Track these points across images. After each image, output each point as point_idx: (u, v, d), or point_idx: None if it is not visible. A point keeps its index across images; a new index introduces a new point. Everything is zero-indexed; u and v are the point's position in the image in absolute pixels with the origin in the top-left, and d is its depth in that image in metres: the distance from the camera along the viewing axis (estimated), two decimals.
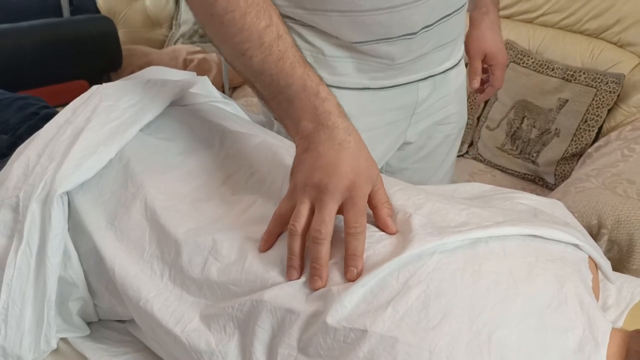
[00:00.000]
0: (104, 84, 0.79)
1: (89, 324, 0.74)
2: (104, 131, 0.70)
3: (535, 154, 1.79)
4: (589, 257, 0.61)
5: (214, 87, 0.90)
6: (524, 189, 1.30)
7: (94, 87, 0.78)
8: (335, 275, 0.55)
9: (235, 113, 0.89)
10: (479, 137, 1.93)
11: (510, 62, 1.86)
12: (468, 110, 1.99)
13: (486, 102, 1.94)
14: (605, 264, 0.63)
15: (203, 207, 0.67)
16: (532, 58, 1.83)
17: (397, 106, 0.92)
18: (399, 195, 0.63)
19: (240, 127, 0.78)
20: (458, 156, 1.23)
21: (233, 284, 0.59)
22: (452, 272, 0.51)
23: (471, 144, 1.97)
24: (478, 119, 1.95)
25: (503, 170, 1.88)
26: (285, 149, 0.73)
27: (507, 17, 1.95)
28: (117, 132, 0.71)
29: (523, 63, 1.83)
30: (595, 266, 0.63)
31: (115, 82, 0.80)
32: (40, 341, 0.66)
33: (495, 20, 1.04)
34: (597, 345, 0.49)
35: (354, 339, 0.49)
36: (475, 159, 1.95)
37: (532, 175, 1.84)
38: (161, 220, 0.65)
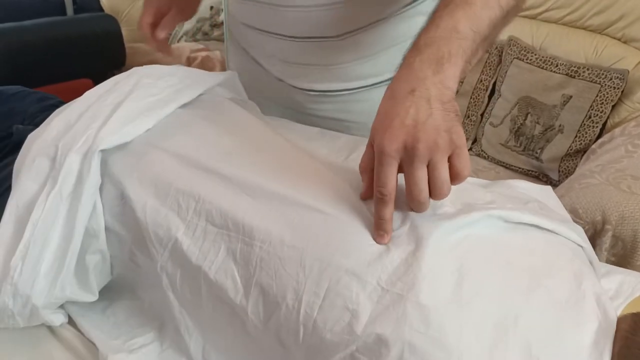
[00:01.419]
0: (143, 67, 0.81)
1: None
2: (145, 103, 0.73)
3: (539, 151, 1.79)
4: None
5: (242, 86, 0.92)
6: None
7: (134, 68, 0.81)
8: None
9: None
10: (483, 134, 1.92)
11: (514, 58, 1.86)
12: (471, 106, 2.01)
13: (489, 99, 1.94)
14: (596, 264, 0.65)
15: (234, 155, 0.69)
16: (535, 54, 1.82)
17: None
18: None
19: (265, 124, 0.79)
20: None
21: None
22: (484, 258, 0.53)
23: (475, 141, 1.97)
24: (482, 115, 1.95)
25: (507, 166, 1.88)
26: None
27: None
28: (156, 105, 0.74)
29: (527, 59, 1.83)
30: None
31: (153, 65, 0.83)
32: (55, 286, 0.66)
33: (408, 76, 0.52)
34: (611, 340, 0.52)
35: (389, 301, 0.50)
36: (478, 155, 1.95)
37: (536, 172, 1.83)
38: (188, 155, 0.68)
